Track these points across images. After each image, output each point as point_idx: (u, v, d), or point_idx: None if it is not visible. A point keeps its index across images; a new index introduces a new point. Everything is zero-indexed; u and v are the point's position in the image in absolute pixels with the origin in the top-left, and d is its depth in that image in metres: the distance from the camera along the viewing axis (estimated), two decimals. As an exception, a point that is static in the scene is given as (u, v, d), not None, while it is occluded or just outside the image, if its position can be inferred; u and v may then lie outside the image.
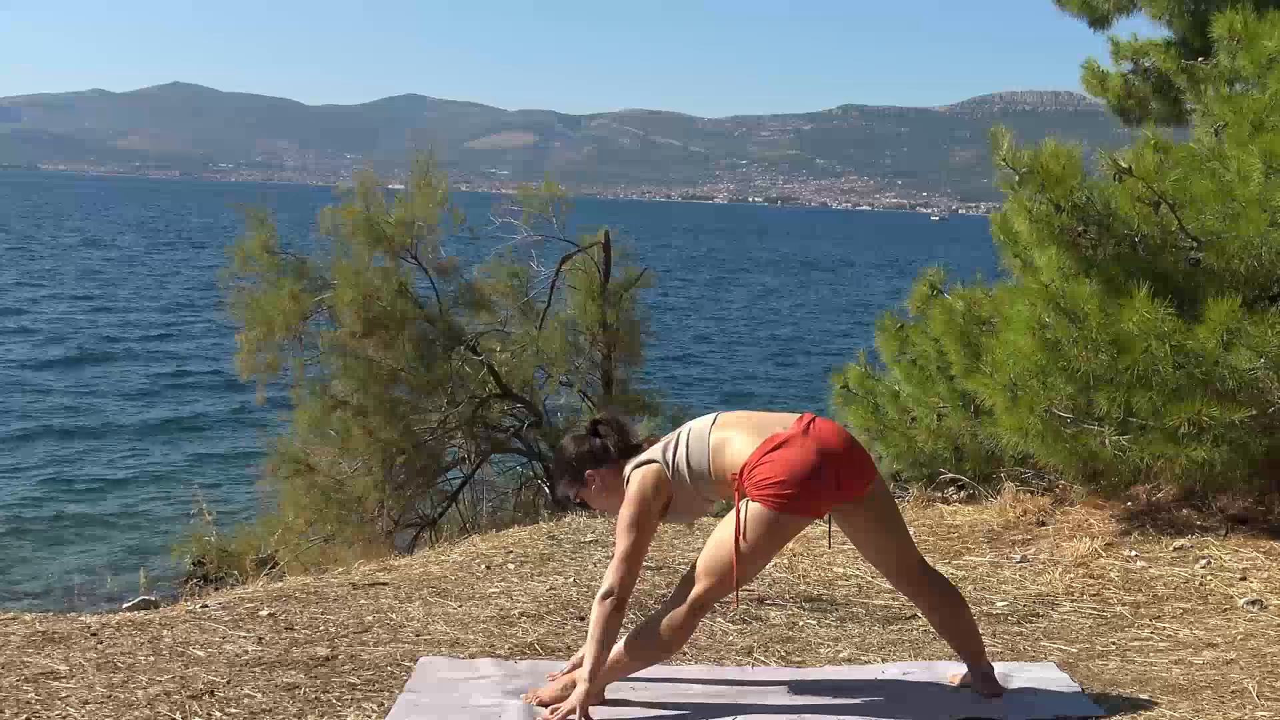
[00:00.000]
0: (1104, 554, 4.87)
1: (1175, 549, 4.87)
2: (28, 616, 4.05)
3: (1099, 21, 7.35)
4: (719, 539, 3.04)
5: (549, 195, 9.49)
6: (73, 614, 4.29)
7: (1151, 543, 4.99)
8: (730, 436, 3.09)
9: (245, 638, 3.70)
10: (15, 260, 45.29)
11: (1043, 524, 5.47)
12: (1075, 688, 3.27)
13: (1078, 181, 4.93)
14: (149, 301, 34.78)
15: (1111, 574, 4.63)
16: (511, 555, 5.29)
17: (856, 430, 6.92)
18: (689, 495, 3.16)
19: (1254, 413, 4.59)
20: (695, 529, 6.00)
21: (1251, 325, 4.52)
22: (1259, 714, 2.99)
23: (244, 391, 12.06)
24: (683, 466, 3.13)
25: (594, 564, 5.02)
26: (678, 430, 3.24)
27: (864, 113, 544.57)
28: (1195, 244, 4.90)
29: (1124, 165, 5.00)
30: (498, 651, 3.63)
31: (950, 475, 6.41)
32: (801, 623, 4.06)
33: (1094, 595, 4.41)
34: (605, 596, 3.04)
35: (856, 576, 4.73)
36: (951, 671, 3.35)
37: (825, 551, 5.08)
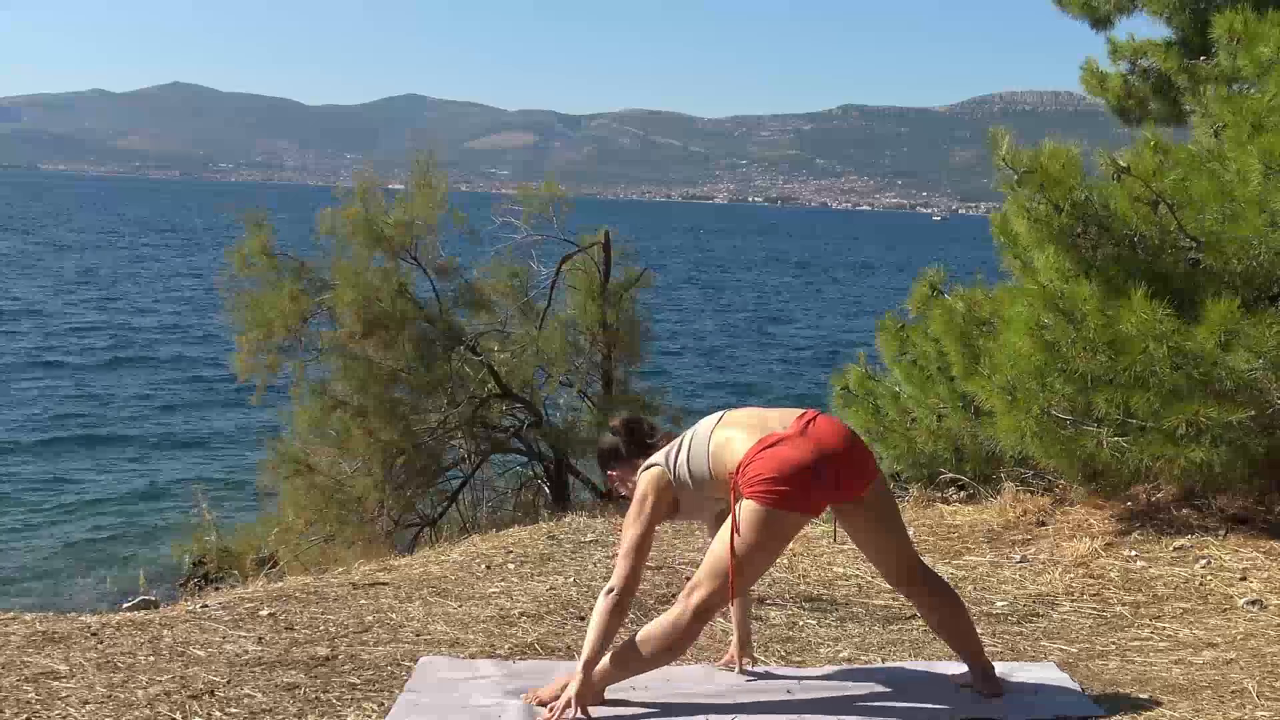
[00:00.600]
0: (1104, 554, 4.87)
1: (1175, 549, 4.87)
2: (28, 616, 4.05)
3: (1100, 23, 7.36)
4: (719, 541, 3.04)
5: (549, 195, 9.49)
6: (73, 614, 4.29)
7: (1151, 543, 4.99)
8: (731, 436, 3.09)
9: (245, 638, 3.70)
10: (22, 261, 45.27)
11: (1043, 524, 5.47)
12: (1075, 688, 3.27)
13: (1077, 182, 4.94)
14: (149, 301, 34.78)
15: (1111, 574, 4.63)
16: (511, 555, 5.30)
17: (857, 431, 6.92)
18: (693, 497, 3.18)
19: (1252, 413, 4.59)
20: (697, 528, 6.01)
21: (1250, 326, 4.53)
22: (1259, 714, 3.00)
23: (244, 392, 12.06)
24: (684, 471, 3.15)
25: (594, 564, 5.02)
26: (687, 431, 3.26)
27: (864, 113, 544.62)
28: (1194, 244, 4.91)
29: (1123, 165, 5.01)
30: (498, 651, 3.63)
31: (950, 475, 6.41)
32: (801, 623, 4.06)
33: (1094, 595, 4.41)
34: (608, 592, 3.05)
35: (856, 576, 4.73)
36: (952, 671, 3.35)
37: (825, 551, 5.09)
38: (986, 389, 5.16)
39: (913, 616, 4.14)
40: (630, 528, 3.14)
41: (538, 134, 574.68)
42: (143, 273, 44.22)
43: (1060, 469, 5.41)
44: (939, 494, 6.44)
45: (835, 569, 4.85)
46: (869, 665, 3.58)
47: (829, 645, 3.81)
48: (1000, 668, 3.41)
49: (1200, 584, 4.45)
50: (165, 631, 3.74)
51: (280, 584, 5.06)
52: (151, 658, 3.43)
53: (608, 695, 3.11)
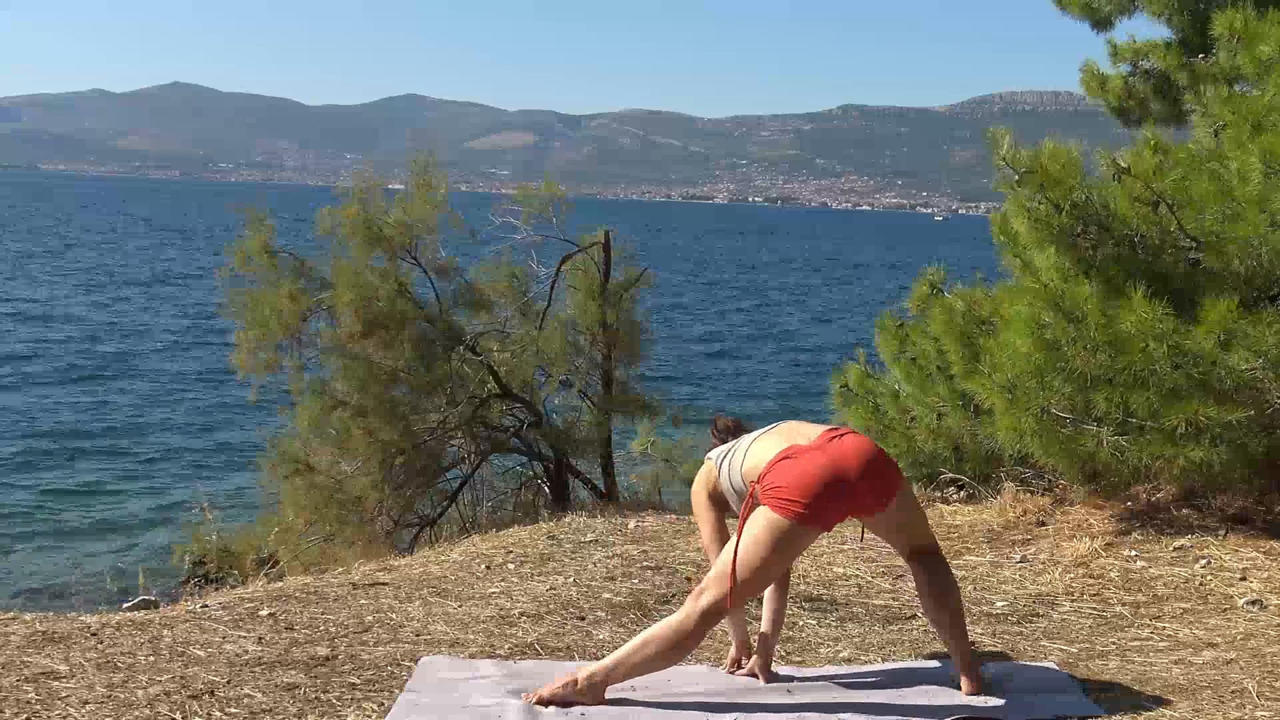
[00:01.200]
0: (1104, 554, 4.87)
1: (1175, 549, 4.87)
2: (28, 616, 4.05)
3: (1101, 24, 7.36)
4: (729, 546, 3.07)
5: (549, 195, 9.48)
6: (73, 614, 4.29)
7: (1151, 543, 4.99)
8: (765, 445, 3.15)
9: (245, 638, 3.70)
10: (23, 261, 45.27)
11: (1043, 524, 5.47)
12: (1075, 688, 3.27)
13: (1077, 182, 4.93)
14: (149, 301, 34.78)
15: (1111, 574, 4.63)
16: (511, 555, 5.30)
17: (856, 430, 6.91)
18: (735, 500, 3.27)
19: (1252, 413, 4.59)
20: (694, 528, 6.01)
21: (1249, 326, 4.52)
22: (1259, 714, 3.00)
23: (244, 391, 12.06)
24: (726, 474, 3.27)
25: (593, 564, 5.02)
26: (744, 436, 3.35)
27: (864, 113, 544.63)
28: (1194, 244, 4.90)
29: (1123, 165, 5.00)
30: (498, 651, 3.63)
31: (950, 475, 6.41)
32: (801, 623, 4.06)
33: (1094, 595, 4.41)
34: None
35: (856, 576, 4.73)
36: (952, 671, 3.35)
37: (825, 551, 5.09)
38: (986, 388, 5.16)
39: (912, 616, 4.14)
40: (701, 527, 3.38)
41: (538, 134, 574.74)
42: (142, 273, 44.21)
43: (1060, 468, 5.41)
44: (939, 494, 6.45)
45: (835, 569, 4.86)
46: (869, 665, 3.58)
47: (829, 645, 3.81)
48: (1000, 668, 3.42)
49: (1200, 584, 4.45)
50: (165, 631, 3.74)
51: (280, 584, 5.06)
52: (151, 658, 3.43)
53: (608, 695, 3.11)
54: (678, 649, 3.06)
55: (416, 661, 3.47)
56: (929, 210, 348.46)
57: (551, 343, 8.89)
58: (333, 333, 8.51)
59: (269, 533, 8.72)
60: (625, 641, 3.65)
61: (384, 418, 8.27)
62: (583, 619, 4.07)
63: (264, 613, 4.06)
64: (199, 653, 3.51)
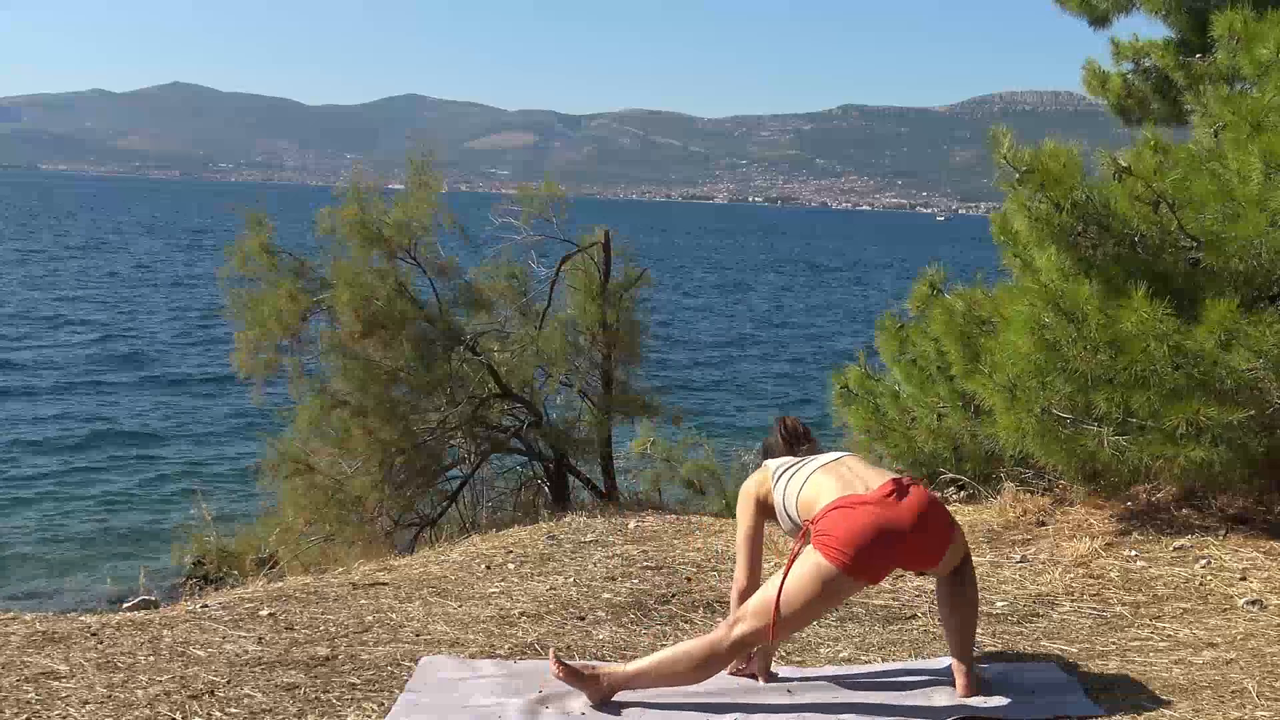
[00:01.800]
0: (1104, 554, 4.87)
1: (1175, 549, 4.87)
2: (28, 616, 4.05)
3: (1099, 21, 7.36)
4: (773, 581, 3.08)
5: (549, 195, 9.46)
6: (73, 614, 4.29)
7: (1151, 543, 4.99)
8: (822, 486, 3.14)
9: (245, 638, 3.70)
10: (24, 262, 45.27)
11: (1043, 524, 5.47)
12: (1075, 688, 3.26)
13: (1077, 181, 4.93)
14: (148, 301, 34.78)
15: (1111, 574, 4.63)
16: (511, 555, 5.30)
17: (857, 431, 6.92)
18: (780, 516, 3.30)
19: (1252, 413, 4.59)
20: (694, 528, 6.01)
21: (1250, 326, 4.52)
22: (1259, 714, 2.99)
23: (243, 391, 12.05)
24: (779, 497, 3.28)
25: (593, 564, 5.02)
26: (809, 457, 3.34)
27: (864, 113, 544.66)
28: (1194, 244, 4.90)
29: (1124, 165, 5.00)
30: (498, 651, 3.63)
31: (950, 475, 6.41)
32: (801, 623, 4.06)
33: (1094, 595, 4.41)
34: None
35: (856, 576, 4.73)
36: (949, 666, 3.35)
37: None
38: (986, 388, 5.16)
39: (913, 616, 4.14)
40: (739, 524, 3.36)
41: (538, 134, 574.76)
42: (144, 273, 44.22)
43: (1060, 468, 5.41)
44: (939, 494, 6.45)
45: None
46: (869, 665, 3.58)
47: (829, 645, 3.81)
48: (1000, 668, 3.42)
49: (1200, 584, 4.44)
50: (165, 631, 3.74)
51: (280, 584, 5.06)
52: (151, 658, 3.43)
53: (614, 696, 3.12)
54: (703, 670, 3.10)
55: (416, 661, 3.47)
56: (929, 210, 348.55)
57: (551, 343, 8.88)
58: (332, 333, 8.50)
59: (269, 533, 8.71)
60: (625, 641, 3.66)
61: (384, 418, 8.26)
62: (583, 619, 4.07)
63: (264, 613, 4.06)
64: (199, 653, 3.51)
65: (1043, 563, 4.89)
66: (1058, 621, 4.09)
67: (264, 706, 3.03)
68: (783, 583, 3.01)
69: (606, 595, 4.40)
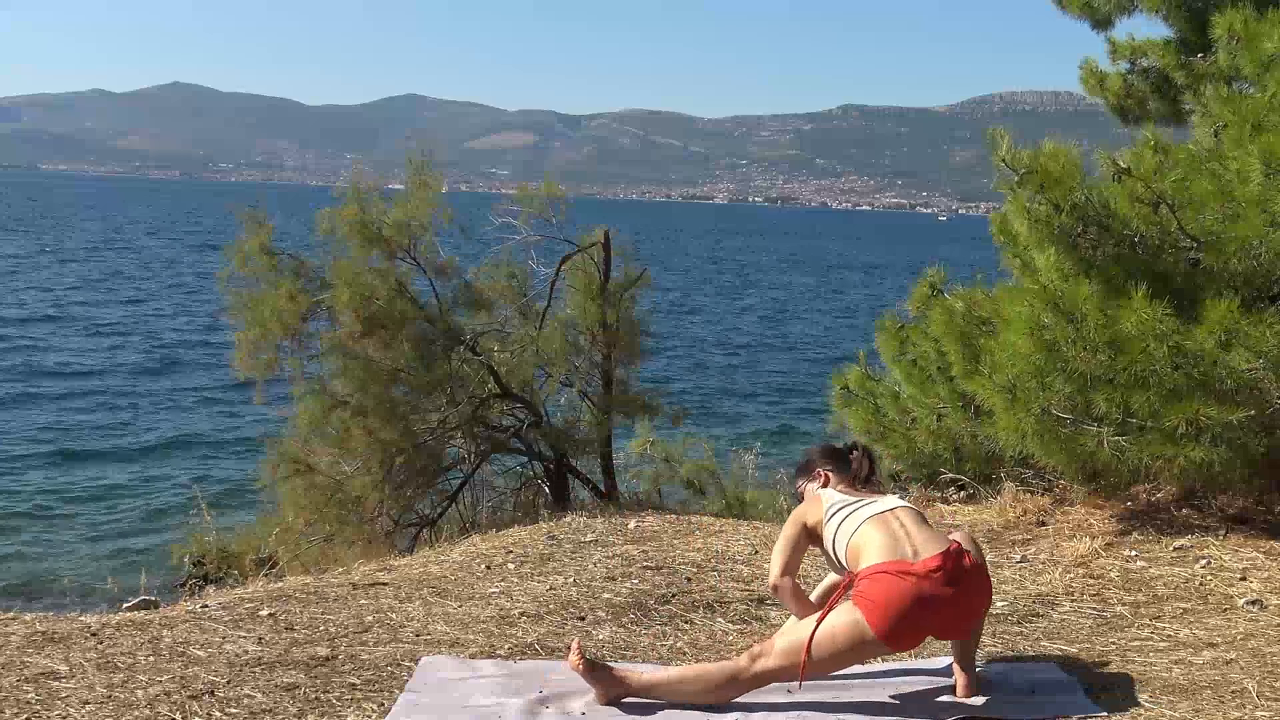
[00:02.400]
0: (1104, 554, 4.87)
1: (1175, 549, 4.87)
2: (28, 616, 4.05)
3: (1100, 23, 7.36)
4: (805, 624, 3.10)
5: (549, 195, 9.46)
6: (73, 614, 4.29)
7: (1151, 543, 4.99)
8: (870, 541, 3.15)
9: (245, 638, 3.70)
10: (24, 262, 45.26)
11: (1043, 524, 5.47)
12: (1075, 688, 3.26)
13: (1077, 182, 4.93)
14: (155, 302, 34.77)
15: (1111, 574, 4.63)
16: (511, 555, 5.30)
17: (857, 431, 6.92)
18: (831, 561, 3.35)
19: (1252, 413, 4.58)
20: (694, 528, 6.01)
21: (1250, 326, 4.52)
22: (1259, 714, 3.00)
23: (243, 392, 12.05)
24: (829, 534, 3.29)
25: (593, 564, 5.02)
26: (870, 498, 3.36)
27: (864, 113, 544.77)
28: (1194, 244, 4.90)
29: (1123, 165, 5.00)
30: (498, 651, 3.63)
31: (950, 475, 6.41)
32: (801, 623, 4.06)
33: (1094, 595, 4.41)
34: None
35: (856, 576, 4.73)
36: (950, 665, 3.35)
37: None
38: (986, 388, 5.16)
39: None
40: (782, 536, 3.42)
41: (538, 134, 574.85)
42: (143, 274, 44.21)
43: (1060, 468, 5.41)
44: (939, 494, 6.45)
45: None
46: (869, 665, 3.58)
47: (829, 645, 3.80)
48: (1000, 668, 3.42)
49: (1200, 584, 4.44)
50: (165, 631, 3.74)
51: (280, 584, 5.06)
52: (151, 658, 3.43)
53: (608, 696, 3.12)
54: (717, 694, 3.11)
55: (416, 661, 3.47)
56: (929, 210, 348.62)
57: (551, 343, 8.88)
58: (332, 333, 8.49)
59: (269, 533, 8.71)
60: (625, 641, 3.66)
61: (384, 418, 8.25)
62: (583, 619, 4.07)
63: (264, 613, 4.06)
64: (199, 653, 3.51)
65: (1043, 563, 4.89)
66: (1058, 621, 4.10)
67: (264, 706, 3.03)
68: (816, 628, 3.04)
69: (606, 595, 4.40)
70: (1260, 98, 4.86)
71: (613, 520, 6.29)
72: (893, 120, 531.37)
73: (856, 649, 3.04)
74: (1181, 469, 4.84)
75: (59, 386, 20.75)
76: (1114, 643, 3.81)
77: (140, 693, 3.08)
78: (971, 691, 3.17)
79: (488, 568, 5.05)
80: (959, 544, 3.11)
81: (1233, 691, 3.17)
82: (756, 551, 5.25)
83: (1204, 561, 4.67)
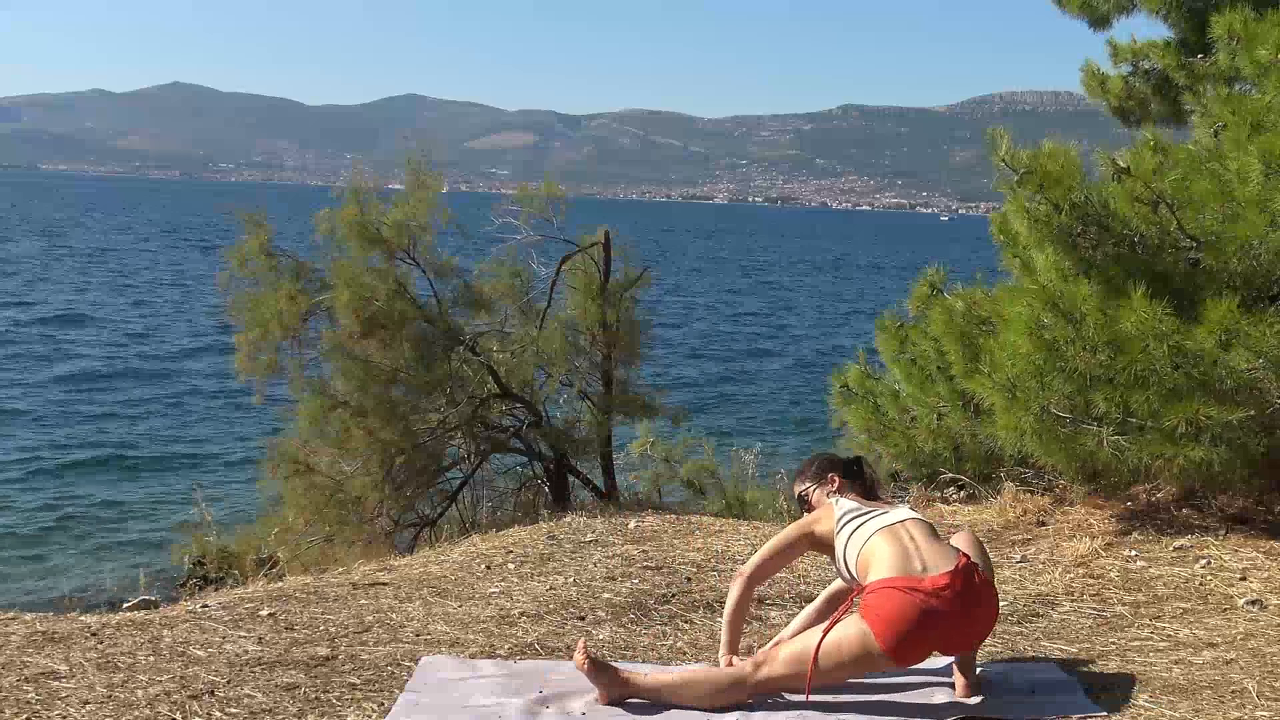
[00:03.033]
0: (1104, 554, 4.87)
1: (1175, 549, 4.87)
2: (28, 616, 4.05)
3: (1099, 22, 7.36)
4: (811, 635, 3.11)
5: (549, 195, 9.45)
6: (73, 614, 4.29)
7: (1151, 543, 4.99)
8: (881, 552, 3.15)
9: (245, 638, 3.70)
10: (24, 263, 45.26)
11: (1043, 524, 5.47)
12: (1075, 687, 3.27)
13: (1076, 182, 4.93)
14: (156, 303, 34.78)
15: (1111, 574, 4.63)
16: (511, 555, 5.30)
17: (857, 430, 6.92)
18: (841, 570, 3.35)
19: (1252, 413, 4.59)
20: (694, 528, 6.01)
21: (1249, 325, 4.52)
22: (1259, 714, 3.00)
23: (243, 392, 12.05)
24: (840, 546, 3.31)
25: (593, 564, 5.02)
26: (882, 508, 3.38)
27: (864, 113, 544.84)
28: (1194, 244, 4.90)
29: (1123, 165, 5.00)
30: (498, 651, 3.63)
31: (950, 475, 6.41)
32: (801, 623, 4.05)
33: (1094, 595, 4.41)
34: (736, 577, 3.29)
35: (856, 576, 4.73)
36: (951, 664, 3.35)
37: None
38: (986, 388, 5.16)
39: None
40: (781, 535, 3.43)
41: (538, 134, 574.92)
42: (144, 273, 44.22)
43: (1060, 468, 5.41)
44: (939, 493, 6.45)
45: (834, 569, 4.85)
46: (869, 666, 3.58)
47: (829, 645, 3.80)
48: (1000, 668, 3.42)
49: (1200, 584, 4.45)
50: (165, 631, 3.74)
51: (280, 584, 5.07)
52: (151, 658, 3.43)
53: (607, 696, 3.12)
54: (720, 698, 3.11)
55: (416, 661, 3.47)
56: (929, 210, 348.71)
57: (551, 343, 8.88)
58: (332, 333, 8.49)
59: (269, 533, 8.71)
60: (625, 641, 3.66)
61: (384, 418, 8.25)
62: (583, 619, 4.07)
63: (264, 613, 4.06)
64: (199, 653, 3.51)
65: (1043, 563, 4.89)
66: (1058, 621, 4.10)
67: (264, 706, 3.03)
68: (822, 639, 3.05)
69: (606, 595, 4.40)
70: (1260, 98, 4.86)
71: (613, 520, 6.29)
72: (893, 120, 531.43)
73: (861, 662, 3.05)
74: (1181, 469, 4.84)
75: (59, 387, 20.75)
76: (1114, 643, 3.81)
77: (140, 693, 3.08)
78: (971, 692, 3.17)
79: (488, 568, 5.05)
80: (968, 559, 3.12)
81: (1233, 691, 3.17)
82: (756, 552, 5.24)
83: (1204, 561, 4.67)
